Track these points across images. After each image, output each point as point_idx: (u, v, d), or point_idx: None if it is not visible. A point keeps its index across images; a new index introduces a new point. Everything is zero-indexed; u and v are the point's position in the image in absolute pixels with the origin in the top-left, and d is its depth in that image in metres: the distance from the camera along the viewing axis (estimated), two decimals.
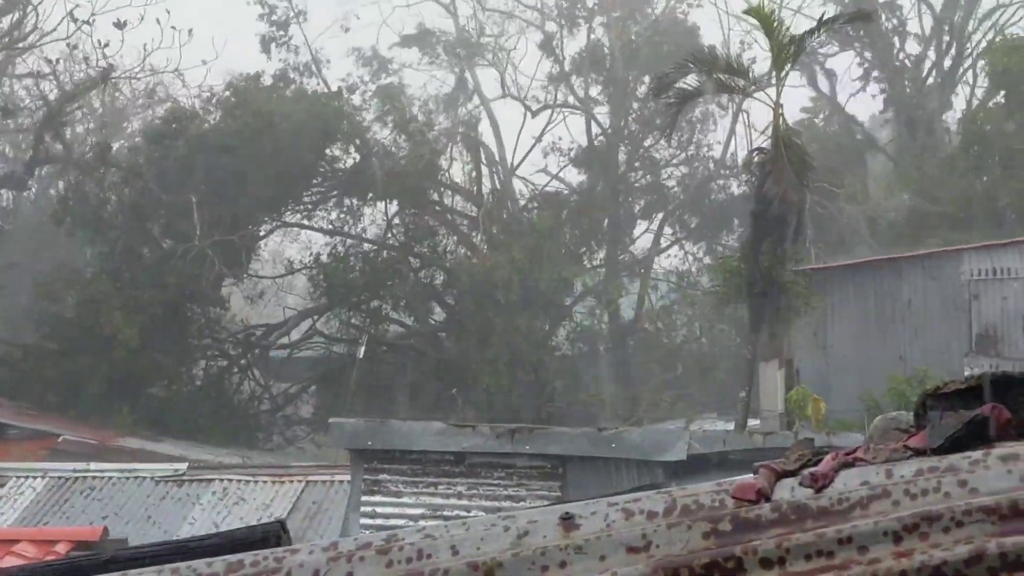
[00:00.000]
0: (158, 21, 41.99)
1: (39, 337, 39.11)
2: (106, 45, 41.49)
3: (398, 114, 43.85)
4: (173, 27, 42.48)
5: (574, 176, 49.00)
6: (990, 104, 47.40)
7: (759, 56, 38.44)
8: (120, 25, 41.38)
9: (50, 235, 42.17)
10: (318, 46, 46.53)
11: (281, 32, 45.66)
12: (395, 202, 43.72)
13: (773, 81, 30.95)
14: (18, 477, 21.97)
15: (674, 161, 49.09)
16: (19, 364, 38.58)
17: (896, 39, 49.71)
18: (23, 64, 46.48)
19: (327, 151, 42.83)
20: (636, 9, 49.32)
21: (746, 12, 39.26)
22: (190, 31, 42.19)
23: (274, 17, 45.62)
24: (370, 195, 43.43)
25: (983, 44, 48.86)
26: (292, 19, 45.65)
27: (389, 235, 44.52)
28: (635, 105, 47.80)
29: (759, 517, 2.45)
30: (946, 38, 49.79)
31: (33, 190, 47.48)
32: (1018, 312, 32.35)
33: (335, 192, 44.09)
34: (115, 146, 44.22)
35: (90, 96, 45.62)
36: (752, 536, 2.40)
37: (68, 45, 42.71)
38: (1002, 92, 45.64)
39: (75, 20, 42.10)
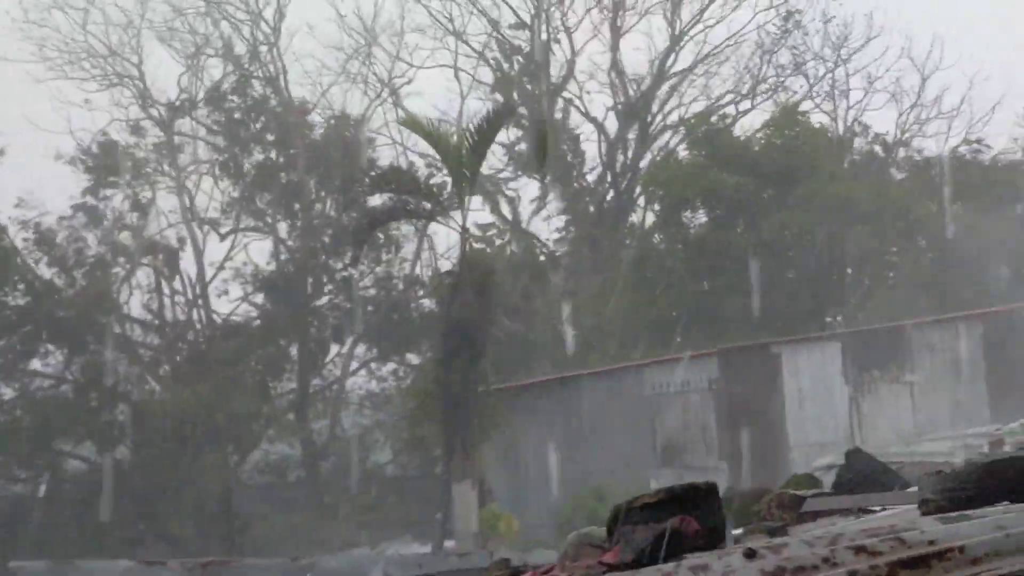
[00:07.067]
0: None
1: None
2: None
3: (57, 249, 42.56)
4: None
5: (262, 301, 47.92)
6: (647, 224, 48.92)
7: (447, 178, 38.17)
8: None
9: None
10: None
11: None
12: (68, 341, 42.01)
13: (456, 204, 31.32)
14: None
15: (364, 283, 48.33)
16: None
17: (577, 162, 51.00)
18: None
19: None
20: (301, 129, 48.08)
21: (403, 123, 39.76)
22: None
23: None
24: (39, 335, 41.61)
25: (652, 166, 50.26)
26: None
27: (68, 372, 42.79)
28: (318, 224, 47.12)
29: None
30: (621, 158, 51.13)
31: None
32: (698, 423, 33.34)
33: None
34: None
35: None
36: None
37: None
38: (657, 209, 47.01)
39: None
